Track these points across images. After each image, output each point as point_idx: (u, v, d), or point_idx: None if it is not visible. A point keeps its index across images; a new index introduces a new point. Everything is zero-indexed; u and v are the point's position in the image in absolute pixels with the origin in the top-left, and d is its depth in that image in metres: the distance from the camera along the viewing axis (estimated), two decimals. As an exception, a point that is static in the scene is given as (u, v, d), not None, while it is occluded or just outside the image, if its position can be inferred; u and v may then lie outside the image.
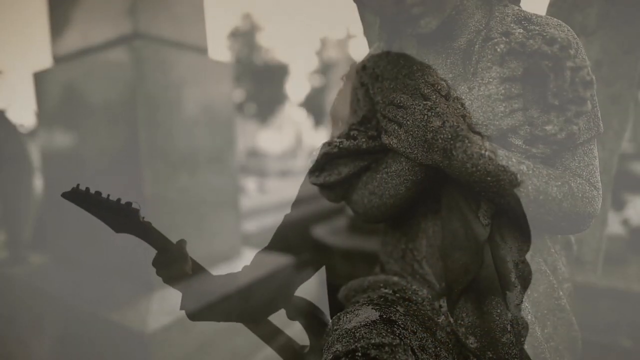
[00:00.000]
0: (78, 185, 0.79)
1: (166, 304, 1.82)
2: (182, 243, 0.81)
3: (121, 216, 0.79)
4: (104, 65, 2.02)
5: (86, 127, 2.19)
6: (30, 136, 2.92)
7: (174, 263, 0.81)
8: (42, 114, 2.48)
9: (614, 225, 2.53)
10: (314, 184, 0.82)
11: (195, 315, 0.83)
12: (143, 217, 0.80)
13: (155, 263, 0.81)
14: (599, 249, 1.11)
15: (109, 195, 0.79)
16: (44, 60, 2.42)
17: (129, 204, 0.79)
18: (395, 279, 0.83)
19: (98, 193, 0.78)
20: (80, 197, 0.78)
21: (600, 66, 0.95)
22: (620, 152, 1.06)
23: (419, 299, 0.79)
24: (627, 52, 0.94)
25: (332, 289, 0.90)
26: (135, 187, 1.90)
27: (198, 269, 0.84)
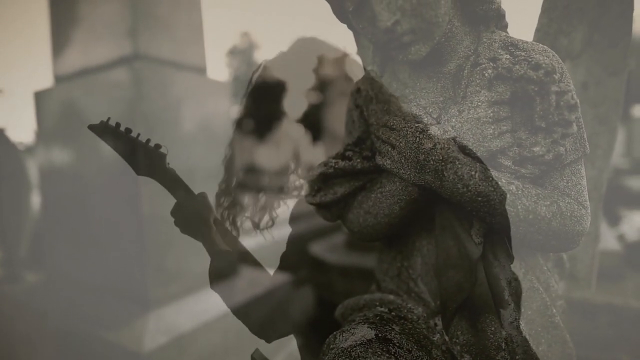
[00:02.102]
0: (108, 118, 0.76)
1: (162, 323, 1.81)
2: (204, 195, 0.79)
3: (147, 158, 0.77)
4: (104, 85, 2.05)
5: (85, 145, 2.21)
6: (29, 154, 2.94)
7: (196, 214, 0.79)
8: (42, 132, 2.50)
9: (609, 241, 2.55)
10: (310, 203, 0.84)
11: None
12: (169, 163, 0.78)
13: (174, 212, 0.79)
14: (592, 265, 1.13)
15: (139, 135, 0.77)
16: (45, 79, 2.46)
17: (157, 146, 0.77)
18: (391, 297, 0.84)
19: (128, 130, 0.76)
20: (108, 132, 0.75)
21: (586, 88, 0.98)
22: (609, 170, 1.09)
23: (415, 317, 0.80)
24: (612, 75, 0.97)
25: (327, 306, 0.90)
26: (133, 205, 1.91)
27: (221, 229, 0.82)
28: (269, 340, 0.88)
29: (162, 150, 0.77)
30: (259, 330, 0.88)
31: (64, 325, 1.94)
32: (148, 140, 0.76)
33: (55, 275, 2.50)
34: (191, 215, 0.80)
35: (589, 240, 1.12)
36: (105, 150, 2.09)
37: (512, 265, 0.75)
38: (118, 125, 0.75)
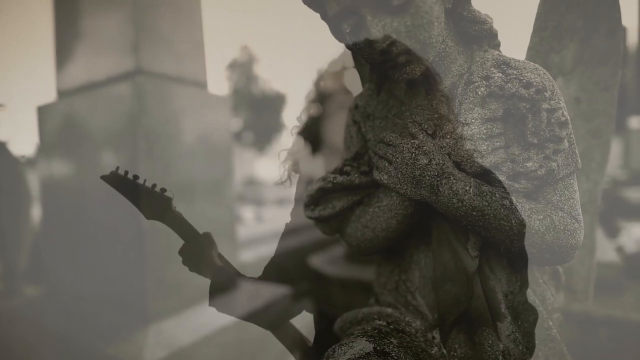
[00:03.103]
0: (117, 168, 0.81)
1: (162, 336, 1.80)
2: (208, 235, 0.83)
3: (154, 203, 0.80)
4: (107, 100, 2.08)
5: (87, 159, 2.23)
6: (30, 167, 2.96)
7: (202, 252, 0.83)
8: (44, 146, 2.53)
9: (608, 253, 2.55)
10: (309, 217, 0.85)
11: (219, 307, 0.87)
12: (175, 207, 0.82)
13: (182, 252, 0.83)
14: (589, 278, 1.14)
15: (145, 181, 0.81)
16: (48, 94, 2.50)
17: (163, 190, 0.81)
18: (389, 310, 0.85)
19: (135, 177, 0.81)
20: (117, 181, 0.80)
21: (579, 103, 1.00)
22: (603, 182, 1.10)
23: (413, 330, 0.80)
24: (604, 90, 1.00)
25: (325, 320, 0.91)
26: (134, 218, 1.92)
27: (224, 260, 0.86)
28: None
29: (168, 194, 0.82)
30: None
31: (63, 339, 1.93)
32: (154, 186, 0.81)
33: (55, 288, 2.50)
34: (197, 254, 0.86)
35: (585, 252, 1.13)
36: (106, 163, 2.12)
37: (507, 279, 0.76)
38: (126, 173, 0.81)
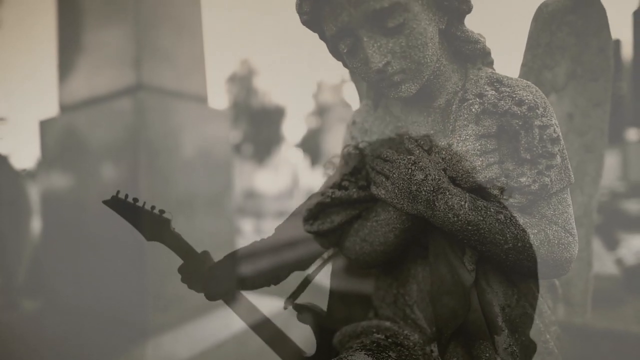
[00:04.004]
0: (118, 192, 0.83)
1: (161, 350, 1.79)
2: (206, 253, 0.87)
3: (154, 224, 0.83)
4: (108, 114, 2.11)
5: (87, 173, 2.24)
6: (32, 181, 2.97)
7: (200, 270, 0.87)
8: (45, 159, 2.54)
9: (608, 265, 2.55)
10: (308, 232, 0.86)
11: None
12: (174, 228, 0.84)
13: (180, 270, 0.85)
14: (586, 291, 1.14)
15: (144, 203, 0.83)
16: (51, 108, 2.53)
17: (161, 211, 0.83)
18: (388, 324, 0.85)
19: (135, 200, 0.83)
20: (118, 204, 0.83)
21: (572, 118, 1.02)
22: (598, 196, 1.12)
23: (411, 344, 0.81)
24: (596, 106, 1.02)
25: (326, 333, 0.92)
26: (134, 232, 1.92)
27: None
28: None
29: (167, 215, 0.85)
30: None
31: (62, 352, 1.92)
32: (153, 207, 0.84)
33: (54, 301, 2.49)
34: (195, 273, 0.88)
35: (582, 265, 1.14)
36: (106, 178, 2.13)
37: (504, 292, 0.77)
38: (126, 196, 0.84)
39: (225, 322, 1.97)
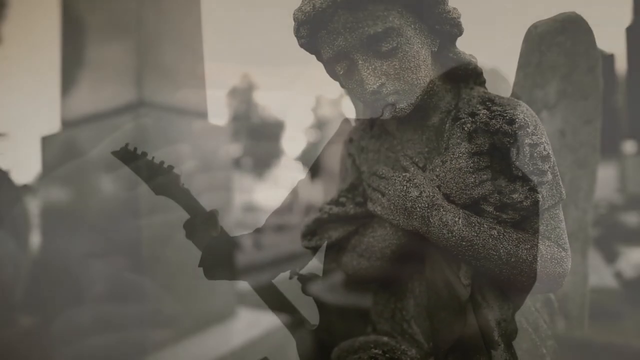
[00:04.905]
0: (127, 144, 0.84)
1: (159, 367, 1.78)
2: (214, 212, 0.87)
3: (163, 178, 0.83)
4: (110, 130, 2.14)
5: (87, 189, 2.26)
6: (32, 196, 2.98)
7: (204, 227, 0.86)
8: (46, 175, 2.56)
9: (607, 278, 2.55)
10: (307, 247, 0.88)
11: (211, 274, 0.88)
12: (182, 184, 0.84)
13: (186, 226, 0.86)
14: (583, 305, 1.15)
15: (153, 157, 0.84)
16: (53, 124, 2.55)
17: (170, 167, 0.84)
18: (385, 339, 0.86)
19: (144, 154, 0.83)
20: (127, 157, 0.83)
21: (564, 135, 1.05)
22: (592, 210, 1.14)
23: (408, 359, 0.82)
24: (587, 123, 1.05)
25: (325, 349, 0.92)
26: (134, 247, 1.94)
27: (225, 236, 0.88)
28: None
29: (176, 171, 0.85)
30: None
31: (59, 371, 1.91)
32: (162, 163, 0.84)
33: (51, 318, 2.47)
34: (201, 231, 0.88)
35: (578, 279, 1.15)
36: (107, 194, 2.14)
37: (500, 307, 0.78)
38: (135, 149, 0.84)
39: (224, 339, 1.97)
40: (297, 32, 0.77)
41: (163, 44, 2.33)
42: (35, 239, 2.82)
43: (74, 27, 2.55)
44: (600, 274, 2.52)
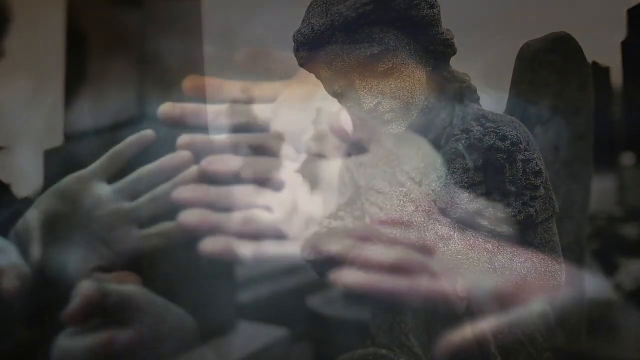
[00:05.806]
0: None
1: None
2: None
3: None
4: (112, 145, 2.16)
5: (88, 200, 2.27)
6: (34, 210, 2.99)
7: None
8: (47, 189, 2.58)
9: (606, 291, 2.54)
10: (307, 261, 0.89)
11: None
12: None
13: None
14: (580, 318, 1.16)
15: None
16: (55, 138, 2.57)
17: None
18: (384, 352, 0.87)
19: None
20: None
21: (557, 150, 1.07)
22: (587, 223, 1.16)
23: (407, 372, 0.83)
24: (580, 138, 1.07)
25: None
26: (133, 259, 1.94)
27: None
28: None
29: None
30: None
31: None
32: None
33: (51, 331, 2.46)
34: None
35: (575, 292, 1.16)
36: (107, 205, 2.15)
37: (496, 319, 0.80)
38: None
39: (224, 352, 1.96)
40: (297, 53, 0.80)
41: (165, 59, 2.36)
42: (36, 251, 2.82)
43: (78, 42, 2.59)
44: (599, 287, 2.51)
